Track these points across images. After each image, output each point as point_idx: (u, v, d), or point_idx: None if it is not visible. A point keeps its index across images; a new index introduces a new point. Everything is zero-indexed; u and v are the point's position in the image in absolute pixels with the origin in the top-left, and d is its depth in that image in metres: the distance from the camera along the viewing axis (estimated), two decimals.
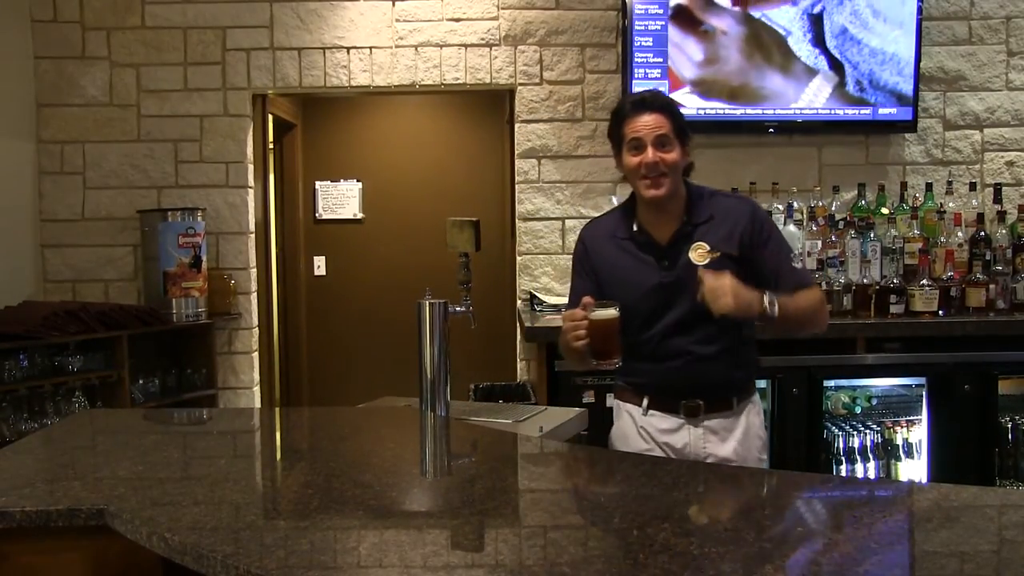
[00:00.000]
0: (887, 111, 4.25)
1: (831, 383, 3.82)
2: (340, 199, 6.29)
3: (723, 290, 2.19)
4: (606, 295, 2.34)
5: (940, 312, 3.82)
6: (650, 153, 2.33)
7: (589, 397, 3.57)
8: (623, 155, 2.42)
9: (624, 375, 2.51)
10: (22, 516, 1.57)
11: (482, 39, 4.36)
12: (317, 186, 6.27)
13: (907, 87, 4.22)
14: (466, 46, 4.36)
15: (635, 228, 2.44)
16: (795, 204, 4.14)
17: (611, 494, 1.53)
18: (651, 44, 4.15)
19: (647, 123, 2.35)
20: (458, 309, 2.58)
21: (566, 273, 3.72)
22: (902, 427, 3.85)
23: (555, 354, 3.58)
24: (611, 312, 2.24)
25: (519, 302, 4.43)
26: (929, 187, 4.24)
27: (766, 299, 2.25)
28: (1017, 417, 3.83)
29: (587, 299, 2.25)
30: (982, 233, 4.02)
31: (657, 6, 4.15)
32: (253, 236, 4.49)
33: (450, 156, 6.23)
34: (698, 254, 2.31)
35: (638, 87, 4.04)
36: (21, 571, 1.63)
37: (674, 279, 2.36)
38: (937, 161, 4.40)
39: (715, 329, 2.34)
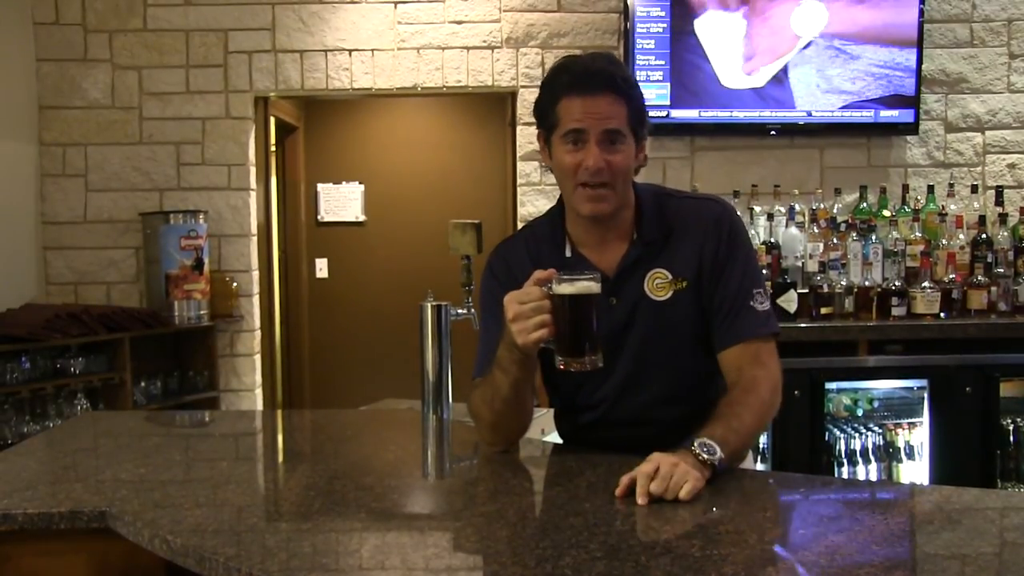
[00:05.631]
0: (889, 114, 4.25)
1: (833, 385, 3.82)
2: (342, 201, 6.30)
3: (680, 473, 1.50)
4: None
5: (942, 314, 3.82)
6: (595, 154, 1.70)
7: None
8: (553, 145, 1.77)
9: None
10: (24, 518, 1.57)
11: (484, 41, 4.36)
12: (319, 188, 6.27)
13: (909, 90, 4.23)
14: (468, 48, 4.36)
15: (568, 254, 1.83)
16: (797, 206, 4.14)
17: (612, 496, 1.53)
18: (653, 47, 4.15)
19: (595, 110, 1.70)
20: (460, 312, 2.58)
21: None
22: (904, 429, 3.84)
23: None
24: (588, 285, 1.62)
25: None
26: (931, 189, 4.25)
27: (700, 452, 1.55)
28: (1019, 419, 3.82)
29: (548, 272, 1.64)
30: (984, 235, 4.02)
31: (659, 8, 4.15)
32: (255, 238, 4.49)
33: (452, 159, 6.24)
34: (656, 285, 1.79)
35: None
36: (23, 573, 1.64)
37: (625, 322, 1.79)
38: (939, 163, 4.41)
39: (683, 382, 1.81)
